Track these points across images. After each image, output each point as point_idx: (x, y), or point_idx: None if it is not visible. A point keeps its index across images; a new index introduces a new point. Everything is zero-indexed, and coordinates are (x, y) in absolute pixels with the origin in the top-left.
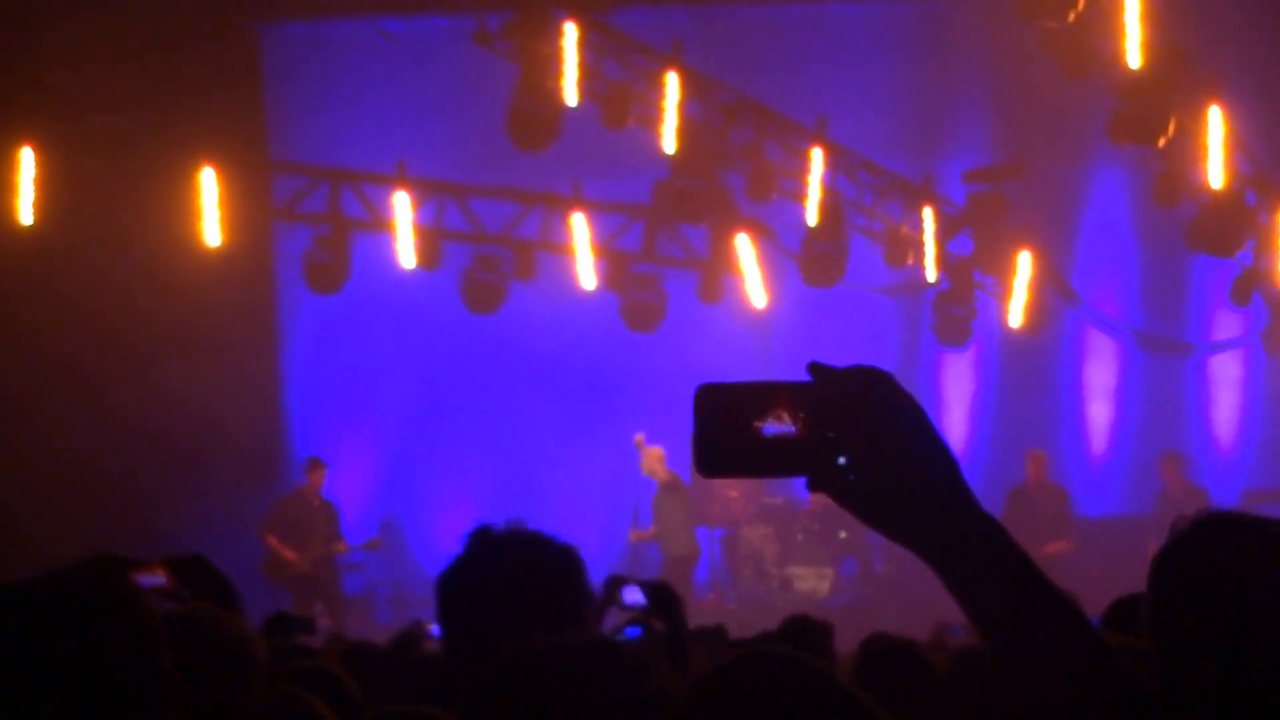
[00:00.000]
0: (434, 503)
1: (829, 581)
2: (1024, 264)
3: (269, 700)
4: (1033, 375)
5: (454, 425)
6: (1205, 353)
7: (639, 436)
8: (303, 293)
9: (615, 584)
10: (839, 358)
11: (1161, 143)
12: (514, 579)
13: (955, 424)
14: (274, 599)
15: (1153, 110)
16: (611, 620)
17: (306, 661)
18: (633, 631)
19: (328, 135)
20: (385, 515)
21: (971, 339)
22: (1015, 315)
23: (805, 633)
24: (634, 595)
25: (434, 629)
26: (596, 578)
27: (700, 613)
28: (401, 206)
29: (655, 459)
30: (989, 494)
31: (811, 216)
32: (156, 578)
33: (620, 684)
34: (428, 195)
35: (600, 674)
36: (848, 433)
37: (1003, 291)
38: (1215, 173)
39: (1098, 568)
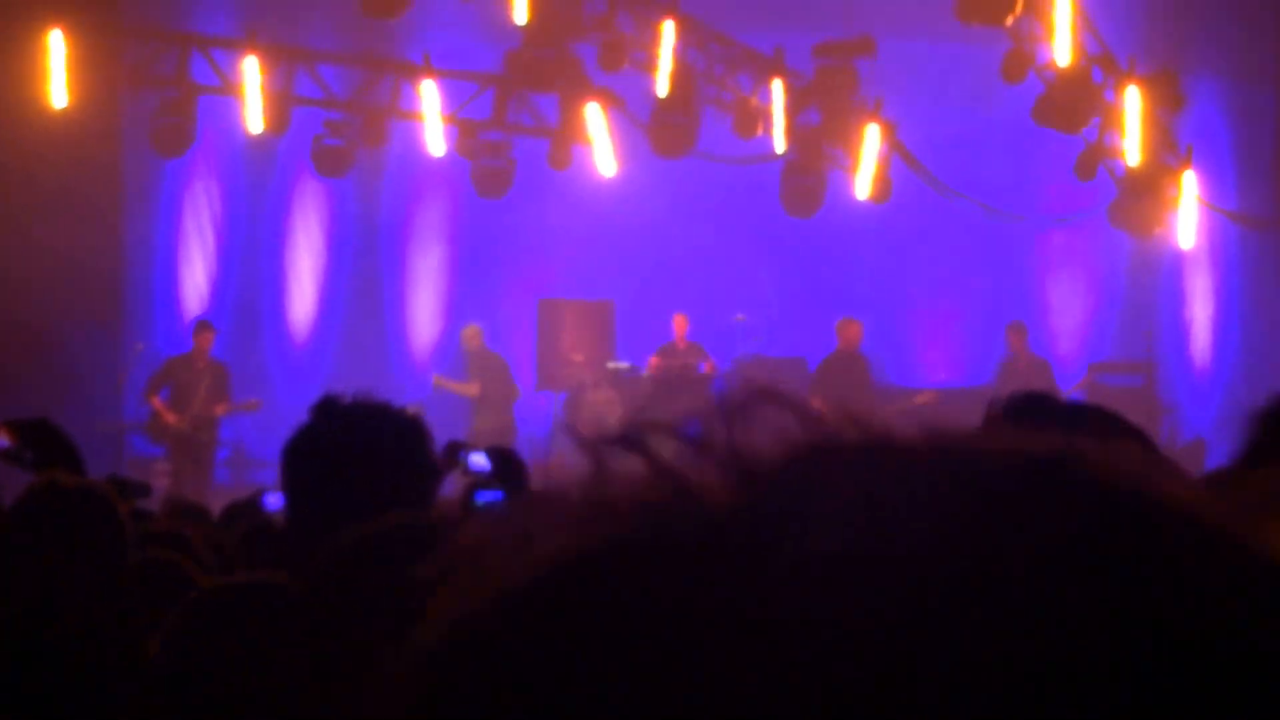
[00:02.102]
0: (280, 365)
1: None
2: (872, 137)
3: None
4: (880, 247)
5: (300, 288)
6: (1051, 226)
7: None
8: (152, 158)
9: (455, 449)
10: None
11: (1009, 21)
12: (358, 450)
13: (801, 295)
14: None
15: None
16: (452, 485)
17: (150, 525)
18: (486, 496)
19: (177, 1)
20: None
21: (820, 210)
22: (863, 187)
23: None
24: (478, 460)
25: (267, 499)
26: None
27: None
28: (250, 72)
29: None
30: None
31: (662, 87)
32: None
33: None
34: (278, 61)
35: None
36: None
37: (851, 164)
38: (1062, 51)
39: None
